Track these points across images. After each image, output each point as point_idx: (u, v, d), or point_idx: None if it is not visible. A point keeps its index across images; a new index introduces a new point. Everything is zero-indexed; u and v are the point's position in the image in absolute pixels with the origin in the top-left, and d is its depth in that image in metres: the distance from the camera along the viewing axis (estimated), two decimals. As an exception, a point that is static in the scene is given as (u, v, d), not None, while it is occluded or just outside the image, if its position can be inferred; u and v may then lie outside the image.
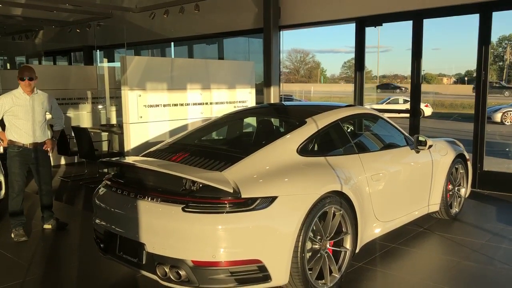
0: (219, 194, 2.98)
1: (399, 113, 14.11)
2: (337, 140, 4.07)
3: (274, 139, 3.65)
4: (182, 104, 6.92)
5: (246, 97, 7.92)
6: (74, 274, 3.85)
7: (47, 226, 5.01)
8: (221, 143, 4.40)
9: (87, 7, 9.65)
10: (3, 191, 5.49)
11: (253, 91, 8.02)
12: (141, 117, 6.45)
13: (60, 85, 8.86)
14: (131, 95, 6.32)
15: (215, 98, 7.35)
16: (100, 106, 9.66)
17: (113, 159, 3.78)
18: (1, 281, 3.68)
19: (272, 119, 4.67)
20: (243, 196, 2.99)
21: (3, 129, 4.91)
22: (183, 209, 2.96)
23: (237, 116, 4.83)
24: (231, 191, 2.96)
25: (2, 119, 4.85)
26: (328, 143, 4.02)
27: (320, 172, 3.50)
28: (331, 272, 3.45)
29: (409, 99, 7.45)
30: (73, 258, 4.20)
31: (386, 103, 27.85)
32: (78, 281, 3.71)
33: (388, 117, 4.80)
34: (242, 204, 2.98)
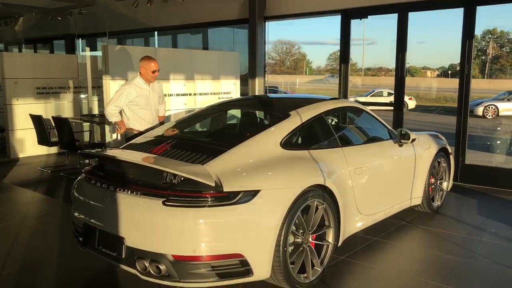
0: (201, 187, 2.92)
1: (383, 106, 14.19)
2: (321, 133, 4.04)
3: (257, 132, 3.61)
4: (165, 95, 6.83)
5: (230, 88, 7.87)
6: (53, 268, 3.77)
7: None
8: (204, 135, 4.34)
9: (68, -6, 9.46)
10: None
11: (238, 82, 7.98)
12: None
13: (41, 73, 8.67)
14: (113, 85, 6.23)
15: (199, 89, 7.29)
16: (82, 96, 9.49)
17: (93, 150, 3.70)
18: (-24, 275, 3.60)
19: (256, 112, 4.62)
20: (225, 189, 2.94)
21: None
22: (163, 203, 2.90)
23: (221, 108, 4.77)
24: (213, 184, 2.91)
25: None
26: (312, 136, 3.98)
27: (303, 166, 3.48)
28: (313, 266, 3.43)
29: (394, 93, 7.45)
30: (53, 251, 4.11)
31: (371, 96, 28.00)
32: (57, 275, 3.64)
33: (372, 110, 4.80)
34: (224, 198, 2.94)
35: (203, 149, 3.42)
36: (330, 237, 3.58)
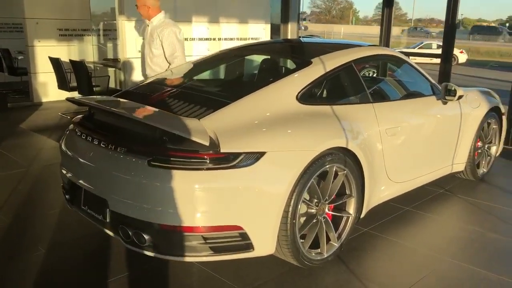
0: (194, 146, 2.44)
1: (429, 57, 13.12)
2: (348, 86, 3.43)
3: (270, 82, 3.05)
4: (186, 39, 6.29)
5: (259, 33, 7.22)
6: (45, 224, 3.47)
7: None
8: (212, 85, 3.79)
9: None
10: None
11: (268, 27, 7.30)
12: (139, 51, 5.88)
13: (63, 14, 8.25)
14: (129, 26, 5.74)
15: (224, 33, 6.68)
16: (109, 39, 9.06)
17: (79, 97, 3.26)
18: (-37, 229, 3.34)
19: (276, 58, 4.03)
20: (222, 150, 2.45)
21: None
22: (149, 163, 2.45)
23: (238, 53, 4.19)
24: (207, 143, 2.42)
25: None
26: (337, 89, 3.39)
27: (323, 124, 2.92)
28: (328, 240, 2.96)
29: (442, 43, 6.61)
30: (49, 206, 3.81)
31: (418, 48, 26.47)
32: (47, 233, 3.33)
33: (420, 63, 4.11)
34: (221, 159, 2.45)
35: (205, 100, 2.92)
36: (351, 208, 3.06)
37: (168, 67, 4.43)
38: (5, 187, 4.16)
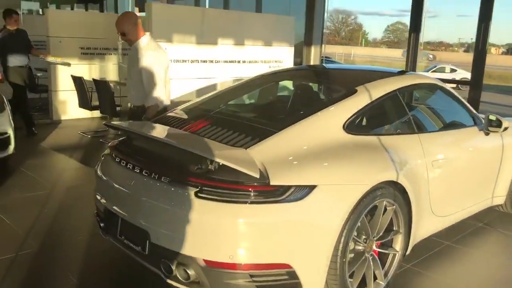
0: (242, 178, 2.32)
1: (456, 83, 13.04)
2: (394, 115, 3.31)
3: (315, 110, 2.93)
4: (211, 61, 6.25)
5: (283, 56, 7.15)
6: (74, 251, 3.34)
7: None
8: (250, 111, 3.69)
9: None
10: (12, 146, 5.03)
11: (292, 49, 7.24)
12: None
13: (86, 33, 8.25)
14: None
15: (249, 55, 6.62)
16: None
17: (118, 122, 3.16)
18: (-10, 254, 3.22)
19: (314, 85, 3.93)
20: (272, 182, 2.33)
21: None
22: (196, 194, 2.33)
23: (272, 79, 4.10)
24: (257, 176, 2.30)
25: None
26: (383, 118, 3.27)
27: (373, 156, 2.79)
28: (375, 278, 2.80)
29: (471, 68, 6.50)
30: (77, 232, 3.69)
31: (432, 71, 26.44)
32: (76, 261, 3.20)
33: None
34: (271, 193, 2.33)
35: (247, 128, 2.80)
36: (397, 245, 2.92)
37: (146, 99, 3.76)
38: (31, 210, 4.05)
